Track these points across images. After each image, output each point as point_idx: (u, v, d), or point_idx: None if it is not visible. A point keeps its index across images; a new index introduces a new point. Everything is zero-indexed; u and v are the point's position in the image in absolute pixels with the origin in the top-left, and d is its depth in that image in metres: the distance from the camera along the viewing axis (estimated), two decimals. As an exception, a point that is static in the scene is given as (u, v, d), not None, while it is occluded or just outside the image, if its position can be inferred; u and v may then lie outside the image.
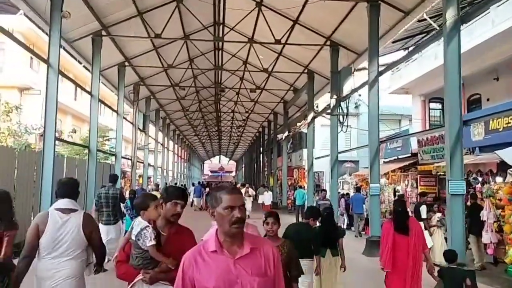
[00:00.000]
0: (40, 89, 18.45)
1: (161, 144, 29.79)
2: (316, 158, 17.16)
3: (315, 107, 22.26)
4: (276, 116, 27.41)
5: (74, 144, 17.21)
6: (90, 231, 3.48)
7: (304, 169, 22.40)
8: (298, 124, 22.59)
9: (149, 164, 27.27)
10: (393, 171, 16.07)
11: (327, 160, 21.35)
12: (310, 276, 4.91)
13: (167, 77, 20.24)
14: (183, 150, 46.43)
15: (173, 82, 20.53)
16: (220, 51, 18.51)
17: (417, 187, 14.25)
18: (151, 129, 27.10)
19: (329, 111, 14.39)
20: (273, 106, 25.97)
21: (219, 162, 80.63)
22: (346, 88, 13.69)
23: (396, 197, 13.95)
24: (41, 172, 8.83)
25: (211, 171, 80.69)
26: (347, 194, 18.24)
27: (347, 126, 13.93)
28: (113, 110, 16.91)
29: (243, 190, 29.08)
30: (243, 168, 70.17)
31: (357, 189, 15.28)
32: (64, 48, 12.04)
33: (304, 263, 4.50)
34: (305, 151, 22.51)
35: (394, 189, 16.52)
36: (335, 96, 13.85)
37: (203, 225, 4.19)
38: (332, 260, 5.47)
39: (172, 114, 29.71)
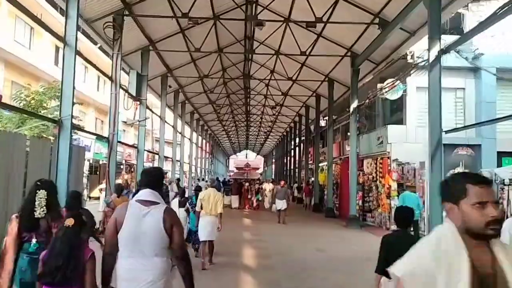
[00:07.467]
0: None
1: (169, 125, 22.08)
2: (446, 132, 8.72)
3: (409, 57, 13.90)
4: (332, 84, 19.03)
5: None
6: (171, 226, 2.86)
7: (388, 157, 14.01)
8: (379, 85, 14.18)
9: (165, 157, 19.73)
10: None
11: (420, 147, 12.96)
12: None
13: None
14: (204, 141, 38.78)
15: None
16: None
17: None
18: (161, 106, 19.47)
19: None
20: (329, 67, 17.68)
21: (246, 158, 73.44)
22: None
23: None
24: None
25: (237, 168, 73.85)
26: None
27: None
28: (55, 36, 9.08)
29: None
30: (273, 164, 62.80)
31: None
32: None
33: None
34: (391, 128, 14.13)
35: None
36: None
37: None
38: None
39: (187, 86, 21.84)
